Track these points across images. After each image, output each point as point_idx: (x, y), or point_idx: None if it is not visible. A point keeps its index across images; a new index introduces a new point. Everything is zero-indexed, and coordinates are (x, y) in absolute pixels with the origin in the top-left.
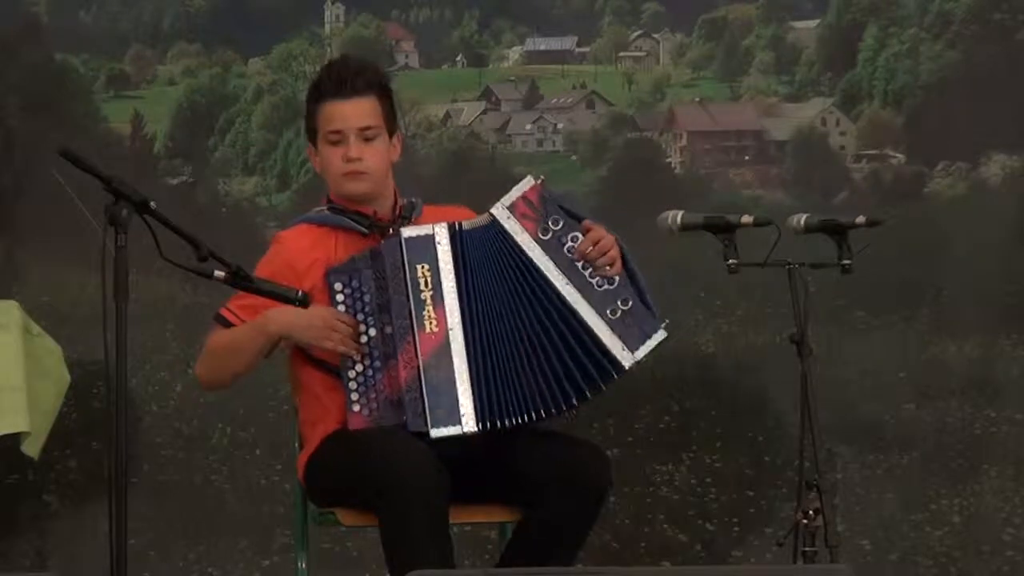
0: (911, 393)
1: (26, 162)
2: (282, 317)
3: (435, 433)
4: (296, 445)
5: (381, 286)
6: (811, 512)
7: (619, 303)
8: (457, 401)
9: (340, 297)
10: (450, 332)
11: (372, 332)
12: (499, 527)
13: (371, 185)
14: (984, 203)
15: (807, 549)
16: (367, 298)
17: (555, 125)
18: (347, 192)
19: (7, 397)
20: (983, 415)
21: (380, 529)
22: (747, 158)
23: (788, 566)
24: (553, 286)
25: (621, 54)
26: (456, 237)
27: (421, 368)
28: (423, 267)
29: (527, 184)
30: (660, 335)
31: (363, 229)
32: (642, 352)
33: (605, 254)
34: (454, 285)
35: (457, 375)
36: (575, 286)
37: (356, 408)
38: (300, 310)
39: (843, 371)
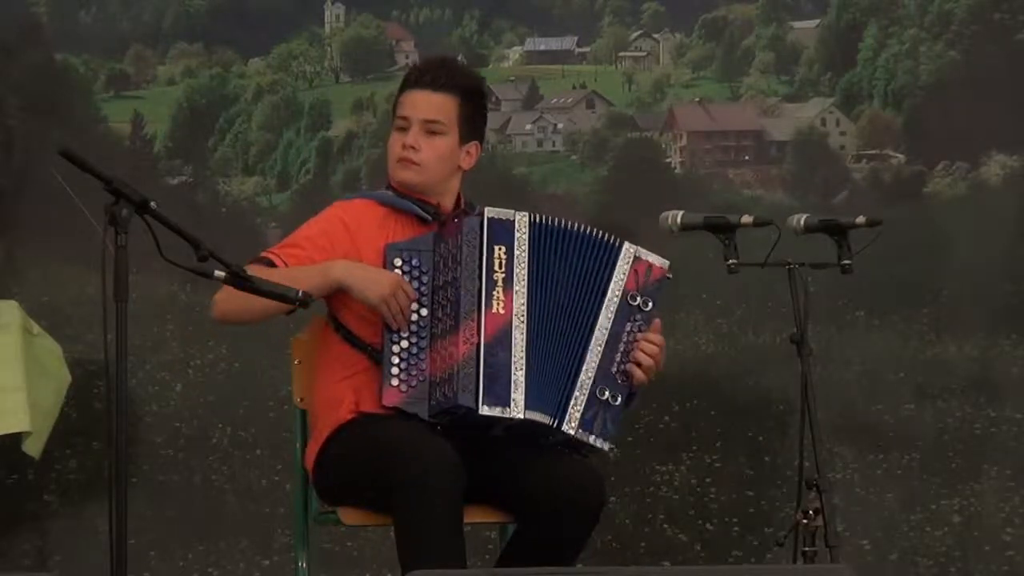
0: (911, 393)
1: (26, 162)
2: (348, 264)
3: (484, 411)
4: (298, 445)
5: (440, 269)
6: (811, 512)
7: (609, 394)
8: (510, 384)
9: (397, 272)
10: (515, 317)
11: (423, 312)
12: (499, 528)
13: (420, 178)
14: (984, 203)
15: (807, 549)
16: (424, 279)
17: (555, 125)
18: (397, 178)
19: (7, 397)
20: (983, 415)
21: (395, 522)
22: (747, 158)
23: (788, 566)
24: (595, 324)
25: (621, 54)
26: (536, 228)
27: (481, 345)
28: (500, 248)
29: (662, 262)
30: (599, 444)
31: (426, 216)
32: (578, 435)
33: (651, 356)
34: (526, 273)
35: (515, 359)
36: (604, 346)
37: (395, 383)
38: (369, 265)
39: (843, 371)
